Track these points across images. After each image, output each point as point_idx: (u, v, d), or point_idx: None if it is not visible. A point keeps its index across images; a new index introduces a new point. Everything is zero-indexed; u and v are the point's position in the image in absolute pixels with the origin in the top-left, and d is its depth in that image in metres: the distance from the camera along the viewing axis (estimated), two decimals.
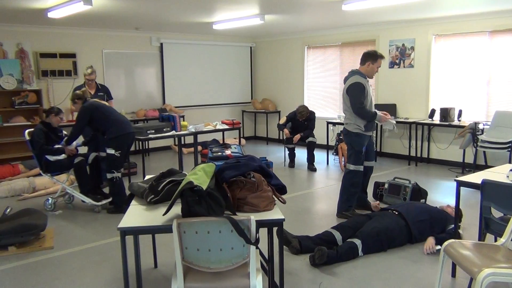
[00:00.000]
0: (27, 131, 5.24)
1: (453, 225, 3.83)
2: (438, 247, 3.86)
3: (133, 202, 2.90)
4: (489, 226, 3.03)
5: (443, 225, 4.08)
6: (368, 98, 4.67)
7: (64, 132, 5.51)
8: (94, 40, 8.32)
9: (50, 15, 6.08)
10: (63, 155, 5.22)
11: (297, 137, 7.42)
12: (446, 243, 2.74)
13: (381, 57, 4.70)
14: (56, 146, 5.18)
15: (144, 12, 6.42)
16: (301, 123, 7.53)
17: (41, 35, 7.73)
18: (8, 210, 4.49)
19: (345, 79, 4.82)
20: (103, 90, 6.44)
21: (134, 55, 8.86)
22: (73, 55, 8.05)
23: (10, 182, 6.13)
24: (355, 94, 4.61)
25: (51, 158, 5.16)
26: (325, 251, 3.58)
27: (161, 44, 9.16)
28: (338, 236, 3.91)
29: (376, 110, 4.74)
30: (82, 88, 6.07)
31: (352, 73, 4.75)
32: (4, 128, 7.25)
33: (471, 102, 7.23)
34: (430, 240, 3.89)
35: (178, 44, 9.42)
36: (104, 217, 5.08)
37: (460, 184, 3.29)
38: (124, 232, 2.42)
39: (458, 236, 3.59)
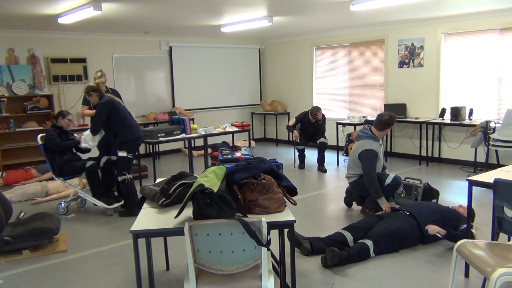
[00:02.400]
0: (39, 135, 5.30)
1: (465, 225, 3.80)
2: (439, 235, 3.89)
3: (145, 205, 2.92)
4: (502, 226, 3.00)
5: (455, 225, 4.05)
6: (378, 162, 4.71)
7: (75, 135, 5.56)
8: (104, 44, 8.40)
9: (61, 20, 6.15)
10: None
11: (296, 135, 7.47)
12: (459, 243, 2.72)
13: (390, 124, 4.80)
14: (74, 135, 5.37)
15: (153, 17, 6.47)
16: (311, 124, 7.52)
17: (52, 41, 7.82)
18: (21, 214, 4.54)
19: (357, 137, 4.89)
20: (113, 94, 6.44)
21: (143, 59, 8.92)
22: (83, 60, 8.13)
23: (23, 187, 6.20)
24: (368, 161, 4.63)
25: (83, 145, 5.30)
26: (336, 252, 3.57)
27: (170, 47, 9.22)
28: (349, 237, 3.90)
29: (383, 196, 4.56)
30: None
31: (365, 136, 4.78)
32: (17, 133, 7.35)
33: (482, 101, 7.17)
34: (440, 229, 3.89)
35: (187, 48, 9.47)
36: (116, 220, 5.12)
37: (472, 183, 3.26)
38: (137, 235, 2.44)
39: (471, 236, 3.56)
